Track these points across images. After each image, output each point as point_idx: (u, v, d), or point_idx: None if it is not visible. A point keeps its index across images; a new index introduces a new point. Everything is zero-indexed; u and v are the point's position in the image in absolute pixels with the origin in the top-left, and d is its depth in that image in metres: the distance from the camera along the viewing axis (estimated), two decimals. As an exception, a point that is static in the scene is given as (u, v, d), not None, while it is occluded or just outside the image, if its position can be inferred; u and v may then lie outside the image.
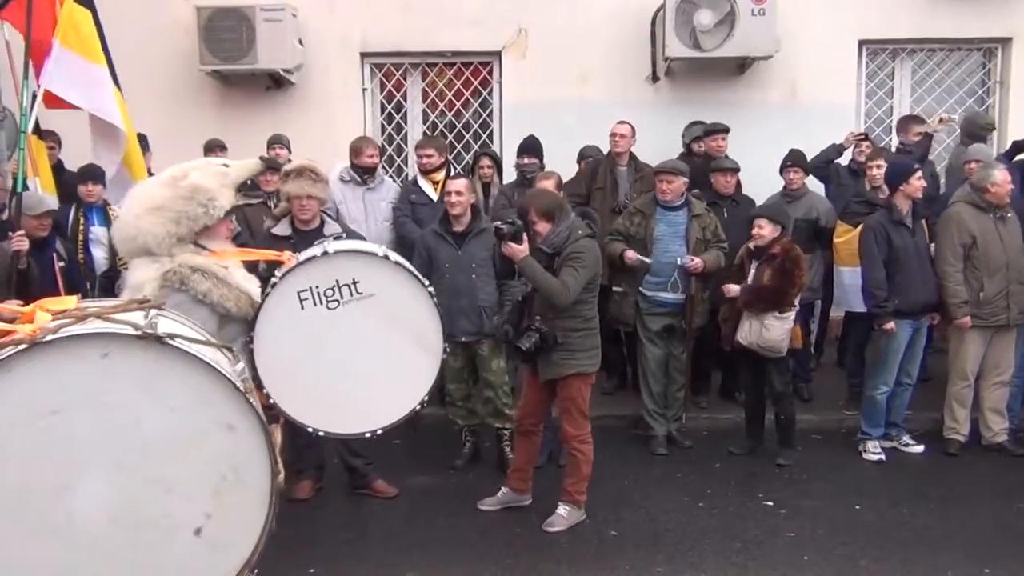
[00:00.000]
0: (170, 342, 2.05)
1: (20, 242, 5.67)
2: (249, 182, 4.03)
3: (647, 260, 6.62)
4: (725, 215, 7.29)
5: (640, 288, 6.76)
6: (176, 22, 9.13)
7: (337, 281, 3.58)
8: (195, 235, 3.45)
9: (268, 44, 8.74)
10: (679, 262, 6.67)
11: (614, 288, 6.89)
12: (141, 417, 2.05)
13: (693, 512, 5.77)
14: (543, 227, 5.37)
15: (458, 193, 6.19)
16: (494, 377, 6.28)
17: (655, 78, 9.28)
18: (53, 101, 6.75)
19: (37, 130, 6.71)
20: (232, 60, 8.81)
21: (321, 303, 3.55)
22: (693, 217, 6.78)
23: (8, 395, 1.97)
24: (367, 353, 3.63)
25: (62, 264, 6.20)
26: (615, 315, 6.89)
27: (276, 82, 9.18)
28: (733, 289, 6.54)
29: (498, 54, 9.31)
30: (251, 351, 3.43)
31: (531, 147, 7.81)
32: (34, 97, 6.66)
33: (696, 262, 6.63)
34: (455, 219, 6.22)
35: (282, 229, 5.81)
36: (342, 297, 3.58)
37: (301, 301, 3.54)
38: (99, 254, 6.74)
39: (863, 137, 8.33)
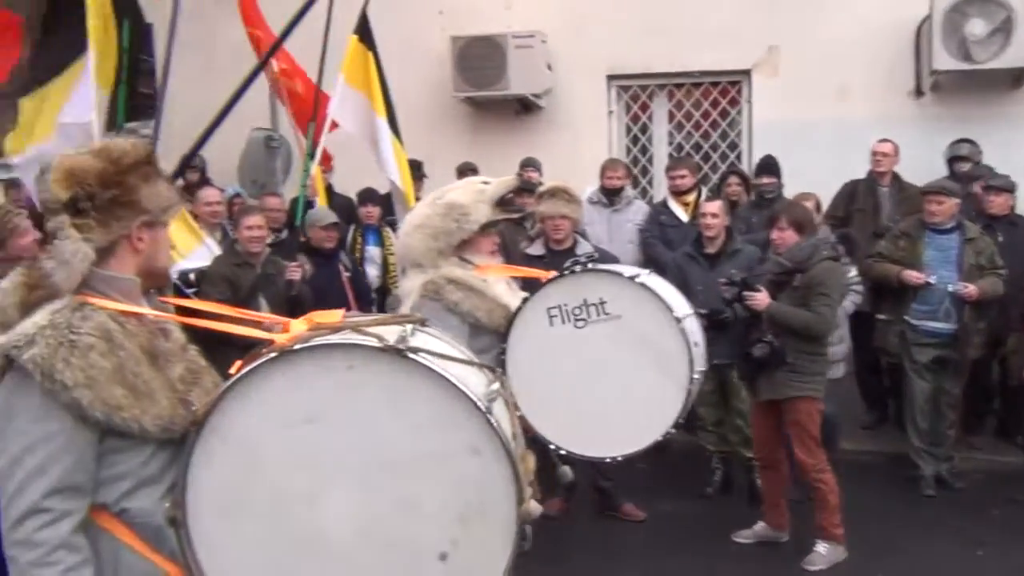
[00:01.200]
0: (413, 356, 1.97)
1: (294, 272, 6.04)
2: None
3: (931, 280, 6.16)
4: (1000, 238, 6.68)
5: (906, 316, 6.32)
6: (431, 52, 9.53)
7: (585, 300, 3.54)
8: (454, 249, 3.55)
9: (519, 70, 8.97)
10: (950, 289, 6.18)
11: (877, 316, 6.48)
12: (386, 432, 2.00)
13: (970, 562, 5.29)
14: (790, 236, 5.23)
15: (713, 215, 6.12)
16: (744, 405, 6.06)
17: (919, 93, 8.71)
18: (334, 126, 7.24)
19: (312, 154, 7.20)
20: (484, 86, 9.10)
21: (569, 321, 3.54)
22: (967, 241, 6.27)
23: (266, 401, 2.00)
24: (612, 375, 3.55)
25: (348, 274, 6.62)
26: (879, 344, 6.48)
27: (525, 107, 9.40)
28: None
29: (748, 72, 9.07)
30: (503, 363, 3.48)
31: (769, 167, 7.56)
32: (318, 130, 7.17)
33: (970, 289, 6.12)
34: (708, 241, 6.14)
35: (536, 249, 5.91)
36: (590, 316, 3.53)
37: (550, 318, 3.54)
38: (372, 272, 7.13)
39: None
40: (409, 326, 2.16)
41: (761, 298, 5.15)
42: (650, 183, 9.51)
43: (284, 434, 2.00)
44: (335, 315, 2.18)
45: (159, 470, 2.09)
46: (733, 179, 7.94)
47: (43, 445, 1.95)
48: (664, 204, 7.52)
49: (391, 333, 2.05)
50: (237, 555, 2.03)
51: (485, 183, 3.68)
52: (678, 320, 3.50)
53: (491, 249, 3.75)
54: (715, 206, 6.19)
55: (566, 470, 3.66)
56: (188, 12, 9.75)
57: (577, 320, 3.52)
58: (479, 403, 1.97)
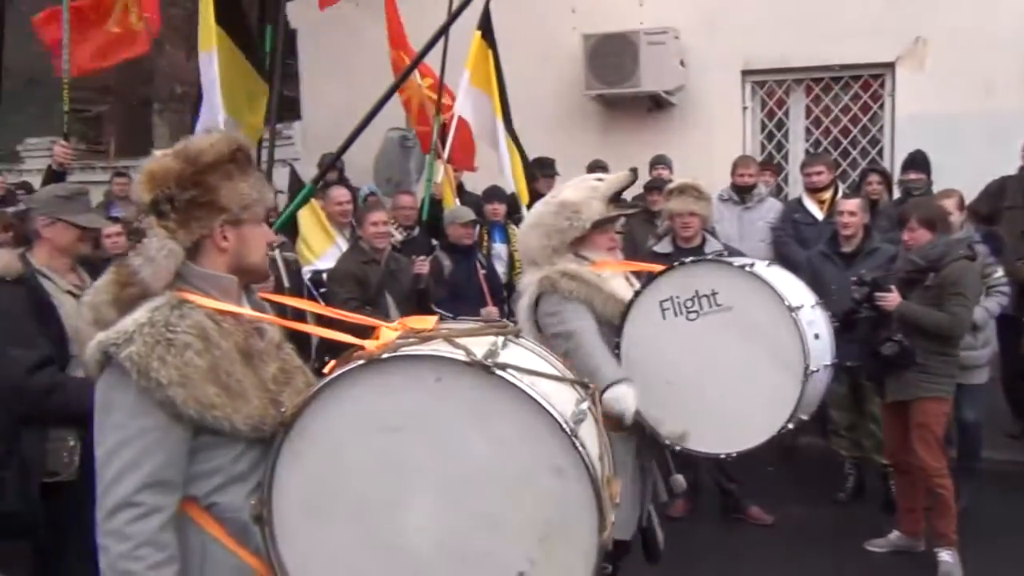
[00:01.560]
0: (499, 372, 1.95)
1: (421, 266, 6.20)
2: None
3: None
4: None
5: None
6: (563, 50, 9.58)
7: (697, 291, 3.43)
8: (569, 246, 3.53)
9: (651, 67, 8.92)
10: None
11: (1025, 320, 6.15)
12: (470, 446, 1.97)
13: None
14: (922, 235, 5.07)
15: (851, 213, 5.95)
16: (878, 408, 5.85)
17: (1076, 85, 8.19)
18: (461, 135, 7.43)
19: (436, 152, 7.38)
20: (616, 84, 9.09)
21: (681, 314, 3.45)
22: None
23: (352, 407, 2.02)
24: (725, 369, 3.44)
25: (483, 272, 6.77)
26: (1029, 349, 6.14)
27: (657, 104, 9.33)
28: None
29: (892, 65, 8.73)
30: (617, 356, 3.44)
31: (918, 162, 7.24)
32: (444, 126, 7.36)
33: None
34: (845, 240, 5.97)
35: (664, 247, 5.87)
36: (701, 308, 3.42)
37: (663, 311, 3.47)
38: (499, 268, 7.23)
39: None
40: (501, 338, 2.14)
41: (892, 298, 5.02)
42: (785, 180, 9.28)
43: (369, 441, 2.01)
44: (428, 321, 2.17)
45: (248, 467, 2.12)
46: (873, 177, 7.64)
47: (138, 440, 2.00)
48: (799, 202, 7.33)
49: (481, 346, 2.03)
50: (319, 555, 2.06)
51: (599, 180, 3.66)
52: (791, 309, 3.36)
53: (608, 246, 3.71)
54: (853, 204, 6.03)
55: (679, 478, 3.63)
56: (330, 16, 10.18)
57: (689, 312, 3.44)
58: (564, 424, 1.93)
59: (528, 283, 3.60)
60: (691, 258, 3.67)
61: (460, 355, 1.97)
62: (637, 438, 3.53)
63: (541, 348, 2.36)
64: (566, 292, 3.48)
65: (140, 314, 2.06)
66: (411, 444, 2.00)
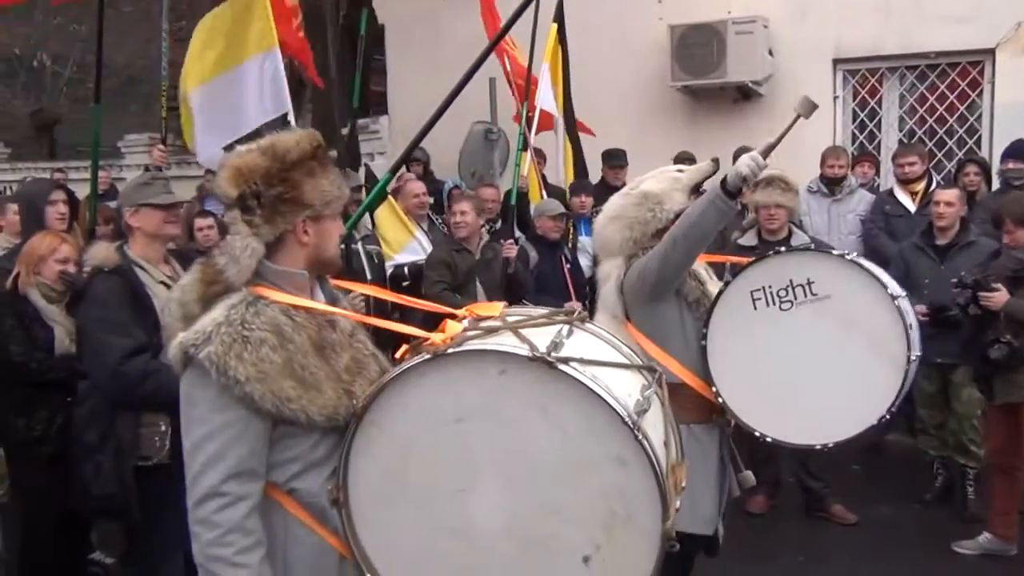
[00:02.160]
0: (560, 366, 2.00)
1: (509, 249, 6.29)
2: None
3: None
4: None
5: None
6: (650, 41, 9.50)
7: (791, 281, 3.35)
8: (651, 238, 3.49)
9: (738, 57, 8.78)
10: None
11: None
12: (535, 437, 2.03)
13: None
14: (1022, 235, 4.93)
15: (948, 204, 5.76)
16: (963, 408, 5.73)
17: None
18: (543, 125, 7.47)
19: (525, 146, 7.43)
20: (702, 75, 8.98)
21: (774, 304, 3.38)
22: None
23: (419, 399, 2.09)
24: (821, 359, 3.37)
25: (568, 266, 6.81)
26: None
27: (744, 94, 9.18)
28: None
29: (991, 52, 8.41)
30: (703, 348, 3.41)
31: (1018, 151, 6.96)
32: (529, 119, 7.40)
33: None
34: (940, 232, 5.80)
35: (749, 239, 5.79)
36: (796, 298, 3.35)
37: (754, 301, 3.39)
38: (584, 262, 7.22)
39: None
40: (565, 327, 2.20)
41: (999, 297, 4.86)
42: (877, 171, 9.03)
43: (435, 431, 2.09)
44: (495, 308, 2.23)
45: (325, 454, 2.20)
46: (971, 167, 7.39)
47: (220, 433, 2.11)
48: (890, 193, 7.14)
49: (545, 336, 2.09)
50: (393, 537, 2.15)
51: (680, 171, 3.62)
52: (893, 298, 3.31)
53: None
54: (950, 194, 5.82)
55: (748, 475, 3.59)
56: (418, 12, 10.32)
57: (783, 302, 3.37)
58: (626, 417, 1.97)
59: (609, 269, 3.58)
60: (783, 247, 3.61)
61: (524, 350, 2.02)
62: (721, 431, 3.52)
63: (608, 333, 2.39)
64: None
65: (218, 313, 2.15)
66: (477, 434, 2.07)
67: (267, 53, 6.23)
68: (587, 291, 7.04)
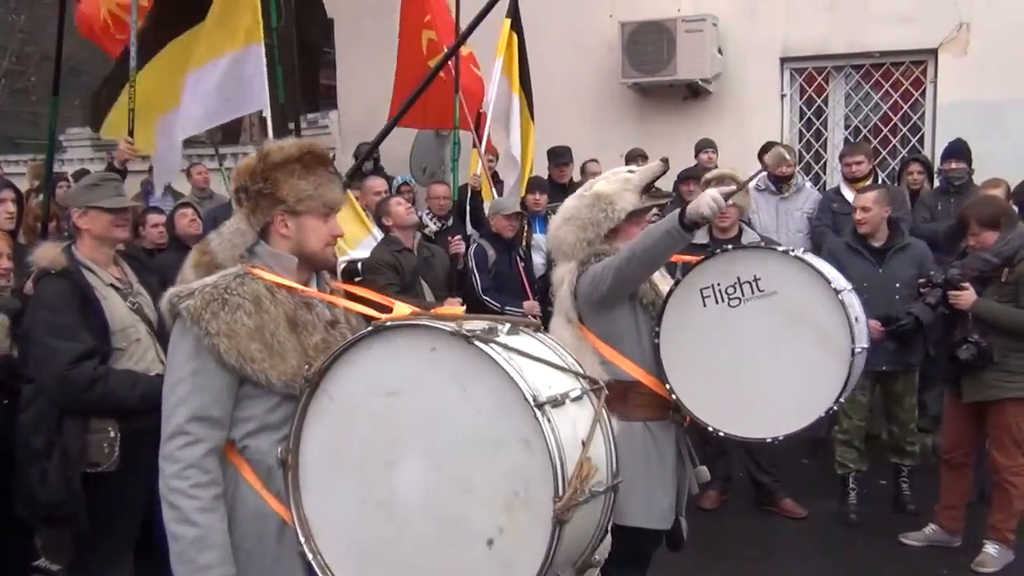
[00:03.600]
0: (478, 344, 2.09)
1: (457, 245, 6.28)
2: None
3: None
4: None
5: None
6: (600, 38, 9.54)
7: (738, 278, 3.41)
8: (603, 239, 3.55)
9: (688, 55, 8.84)
10: None
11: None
12: (455, 413, 2.13)
13: None
14: (987, 237, 4.97)
15: (864, 209, 5.61)
16: (905, 415, 5.78)
17: None
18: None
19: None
20: (652, 72, 9.03)
21: (722, 301, 3.41)
22: None
23: (364, 370, 2.24)
24: (769, 354, 3.43)
25: (523, 264, 6.80)
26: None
27: (694, 92, 9.26)
28: None
29: (934, 52, 8.58)
30: (656, 346, 3.46)
31: (958, 151, 7.09)
32: (479, 117, 7.38)
33: None
34: (869, 236, 5.67)
35: (700, 237, 5.81)
36: (743, 295, 3.41)
37: (703, 299, 3.44)
38: (538, 259, 7.23)
39: None
40: (508, 325, 2.32)
41: (967, 296, 4.94)
42: (823, 169, 9.18)
43: (373, 402, 2.23)
44: (457, 311, 2.34)
45: (281, 419, 2.41)
46: (914, 166, 7.57)
47: (190, 379, 2.36)
48: (837, 191, 7.24)
49: (482, 324, 2.20)
50: (331, 504, 2.30)
51: (631, 172, 3.67)
52: (837, 292, 3.37)
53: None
54: (869, 198, 5.66)
55: (703, 470, 3.65)
56: (367, 6, 10.22)
57: (731, 299, 3.42)
58: (529, 396, 2.06)
59: (562, 276, 3.62)
60: (731, 245, 3.65)
61: (450, 326, 2.15)
62: (677, 427, 3.58)
63: (556, 343, 2.48)
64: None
65: (210, 278, 2.46)
66: (405, 407, 2.21)
67: (249, 47, 6.19)
68: (542, 288, 7.06)
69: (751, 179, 3.32)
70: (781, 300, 3.41)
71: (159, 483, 2.36)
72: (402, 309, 2.33)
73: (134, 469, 3.49)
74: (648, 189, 3.61)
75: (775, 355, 3.43)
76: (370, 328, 2.25)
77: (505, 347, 2.15)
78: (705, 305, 3.46)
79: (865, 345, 3.47)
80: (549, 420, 2.07)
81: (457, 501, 2.14)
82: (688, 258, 3.96)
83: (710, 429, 3.49)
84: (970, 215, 5.06)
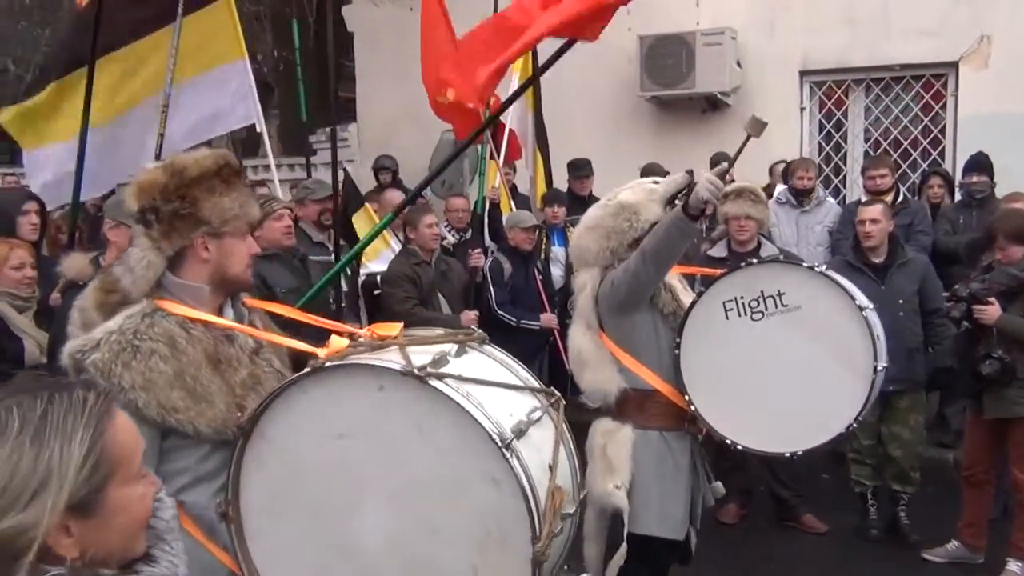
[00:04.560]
0: (434, 383, 1.99)
1: (477, 258, 6.28)
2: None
3: None
4: None
5: None
6: (619, 51, 9.52)
7: (762, 292, 3.41)
8: (627, 248, 3.53)
9: (707, 68, 8.85)
10: None
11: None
12: (413, 454, 2.02)
13: None
14: (1014, 252, 4.91)
15: (873, 221, 5.46)
16: (911, 435, 5.53)
17: None
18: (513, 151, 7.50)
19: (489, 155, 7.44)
20: (671, 85, 9.05)
21: (745, 314, 3.43)
22: None
23: (304, 413, 2.10)
24: (790, 369, 3.42)
25: (541, 277, 6.80)
26: None
27: (712, 105, 9.25)
28: None
29: (955, 65, 8.54)
30: (676, 357, 3.45)
31: (980, 164, 7.07)
32: (499, 129, 7.41)
33: None
34: (870, 251, 5.49)
35: (718, 251, 5.81)
36: (767, 309, 3.41)
37: (726, 311, 3.44)
38: (556, 272, 7.24)
39: None
40: (455, 347, 2.20)
41: (992, 311, 4.85)
42: (843, 182, 9.14)
43: (320, 446, 2.10)
44: (394, 328, 2.23)
45: (216, 467, 2.21)
46: (935, 179, 7.54)
47: None
48: (859, 204, 7.18)
49: (427, 355, 2.08)
50: (283, 552, 2.16)
51: (656, 183, 3.66)
52: (860, 309, 3.34)
53: None
54: (875, 210, 5.54)
55: (718, 485, 3.64)
56: (387, 19, 10.28)
57: (754, 313, 3.43)
58: (495, 436, 1.96)
59: (583, 283, 3.60)
60: (756, 259, 3.65)
61: (398, 365, 2.02)
62: (692, 439, 3.57)
63: (507, 356, 2.39)
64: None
65: (113, 322, 2.17)
66: (359, 451, 2.08)
67: (234, 63, 6.19)
68: (560, 301, 7.05)
69: (738, 152, 3.26)
70: (805, 315, 3.39)
71: None
72: (338, 343, 2.16)
73: None
74: (673, 200, 3.59)
75: (797, 370, 3.42)
76: (307, 370, 2.09)
77: (459, 378, 2.04)
78: (728, 318, 3.46)
79: (885, 364, 3.44)
80: (518, 457, 1.99)
81: (425, 541, 2.05)
82: (710, 271, 3.97)
83: (728, 442, 3.47)
84: (997, 229, 5.01)
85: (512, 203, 7.64)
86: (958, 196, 7.45)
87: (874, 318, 3.45)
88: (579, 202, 7.98)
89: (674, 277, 3.71)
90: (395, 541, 2.07)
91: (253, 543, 2.17)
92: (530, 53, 7.65)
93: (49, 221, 5.60)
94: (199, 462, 2.20)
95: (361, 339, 2.20)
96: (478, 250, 6.59)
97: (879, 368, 3.34)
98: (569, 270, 7.36)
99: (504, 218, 7.27)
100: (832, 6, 8.80)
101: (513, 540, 1.99)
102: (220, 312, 2.33)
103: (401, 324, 2.30)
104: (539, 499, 2.00)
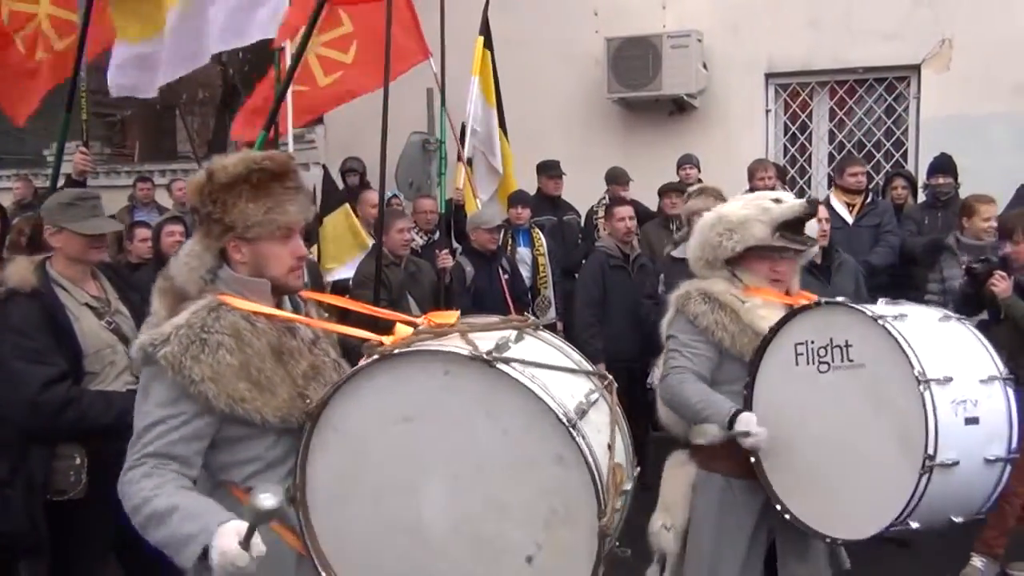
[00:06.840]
0: (500, 366, 2.05)
1: (445, 259, 6.24)
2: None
3: None
4: None
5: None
6: (585, 53, 9.57)
7: (831, 340, 3.02)
8: (724, 263, 3.26)
9: (673, 70, 8.89)
10: None
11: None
12: (479, 436, 2.10)
13: None
14: None
15: (826, 220, 5.29)
16: None
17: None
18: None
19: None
20: (638, 87, 9.08)
21: (813, 363, 3.06)
22: None
23: (370, 399, 2.15)
24: (851, 439, 2.99)
25: (506, 276, 6.74)
26: None
27: (679, 107, 9.29)
28: None
29: (917, 68, 8.65)
30: (746, 399, 3.15)
31: (945, 166, 7.10)
32: (462, 129, 7.37)
33: None
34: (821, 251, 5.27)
35: (682, 252, 5.80)
36: (833, 360, 3.02)
37: (796, 356, 3.09)
38: (524, 272, 7.20)
39: None
40: (515, 332, 2.27)
41: (1006, 285, 4.84)
42: (808, 183, 9.22)
43: (386, 430, 2.16)
44: (451, 316, 2.30)
45: (284, 453, 2.29)
46: (899, 181, 7.60)
47: (161, 426, 2.18)
48: (827, 204, 7.18)
49: (491, 340, 2.15)
50: (349, 535, 2.22)
51: (776, 201, 3.26)
52: (920, 381, 2.78)
53: (770, 276, 3.30)
54: (823, 210, 5.36)
55: (841, 551, 3.34)
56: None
57: (821, 363, 3.05)
58: (561, 416, 2.02)
59: (673, 299, 3.35)
60: (839, 298, 3.21)
61: (465, 350, 2.10)
62: (773, 509, 3.16)
63: (560, 341, 2.45)
64: (691, 315, 3.22)
65: (181, 317, 2.23)
66: (424, 433, 2.14)
67: None
68: (527, 301, 7.02)
69: None
70: (869, 377, 2.97)
71: (129, 515, 2.19)
72: (402, 331, 2.25)
73: (102, 496, 3.22)
74: (787, 227, 3.22)
75: (856, 442, 2.99)
76: (375, 357, 2.15)
77: (523, 362, 2.10)
78: (797, 364, 3.10)
79: (988, 456, 2.88)
80: (584, 436, 2.03)
81: (491, 520, 2.10)
82: (809, 296, 3.45)
83: (778, 507, 3.12)
84: (1017, 224, 5.04)
85: (478, 202, 7.62)
86: (921, 197, 7.52)
87: (960, 394, 2.86)
88: (549, 202, 8.00)
89: (765, 308, 3.26)
90: (461, 520, 2.12)
91: (320, 525, 2.24)
92: (489, 60, 7.64)
93: (12, 225, 5.48)
94: (267, 450, 2.28)
95: (421, 327, 2.26)
96: (445, 251, 6.54)
97: (934, 460, 2.75)
98: (535, 272, 7.37)
99: (468, 218, 7.23)
100: (796, 9, 8.88)
101: (579, 516, 2.04)
102: (279, 305, 2.41)
103: (458, 312, 2.37)
104: (602, 475, 2.05)
